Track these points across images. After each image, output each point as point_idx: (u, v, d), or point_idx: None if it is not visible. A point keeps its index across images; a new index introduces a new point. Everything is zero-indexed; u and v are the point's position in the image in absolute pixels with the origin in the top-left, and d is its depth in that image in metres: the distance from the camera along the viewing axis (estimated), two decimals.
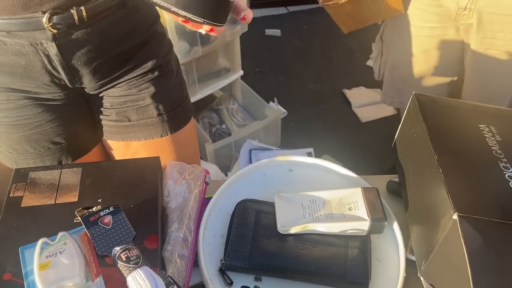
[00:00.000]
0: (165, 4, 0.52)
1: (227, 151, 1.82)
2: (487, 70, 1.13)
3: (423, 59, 1.25)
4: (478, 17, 1.06)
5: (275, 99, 1.98)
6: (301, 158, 0.76)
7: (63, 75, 0.71)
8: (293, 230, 0.64)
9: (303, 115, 2.11)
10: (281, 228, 0.64)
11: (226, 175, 1.78)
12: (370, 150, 1.91)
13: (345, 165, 0.75)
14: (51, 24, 0.62)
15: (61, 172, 0.67)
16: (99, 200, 0.63)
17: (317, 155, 1.86)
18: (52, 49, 0.66)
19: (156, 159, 0.71)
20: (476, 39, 1.10)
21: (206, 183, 0.72)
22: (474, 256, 0.49)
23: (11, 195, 0.64)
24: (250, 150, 1.83)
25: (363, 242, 0.64)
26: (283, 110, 1.94)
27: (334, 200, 0.67)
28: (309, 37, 2.60)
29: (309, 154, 1.85)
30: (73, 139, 0.81)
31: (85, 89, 0.76)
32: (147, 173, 0.68)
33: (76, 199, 0.63)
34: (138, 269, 0.52)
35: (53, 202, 0.63)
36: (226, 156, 1.83)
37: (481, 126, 0.67)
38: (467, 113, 0.70)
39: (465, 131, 0.66)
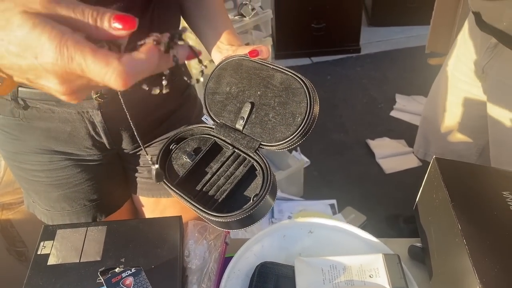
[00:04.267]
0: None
1: None
2: (501, 138, 1.08)
3: (454, 112, 1.23)
4: (491, 83, 1.04)
5: (298, 148, 1.99)
6: (321, 220, 0.76)
7: (104, 139, 0.75)
8: None
9: (326, 165, 2.10)
10: None
11: None
12: (394, 202, 1.88)
13: (368, 218, 0.74)
14: (98, 94, 0.67)
15: (87, 230, 0.69)
16: (122, 260, 0.65)
17: (340, 207, 1.84)
18: (97, 117, 0.70)
19: (178, 219, 0.72)
20: (488, 107, 1.07)
21: (226, 243, 0.73)
22: None
23: (38, 252, 0.66)
24: None
25: None
26: (306, 159, 1.95)
27: (355, 266, 0.66)
28: (332, 88, 2.64)
29: (332, 206, 1.83)
30: (107, 196, 0.84)
31: (124, 150, 0.80)
32: (169, 233, 0.70)
33: (99, 258, 0.65)
34: None
35: (78, 261, 0.65)
36: None
37: (504, 193, 0.66)
38: (489, 179, 0.70)
39: (488, 198, 0.65)
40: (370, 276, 0.65)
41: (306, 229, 0.76)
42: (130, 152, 0.81)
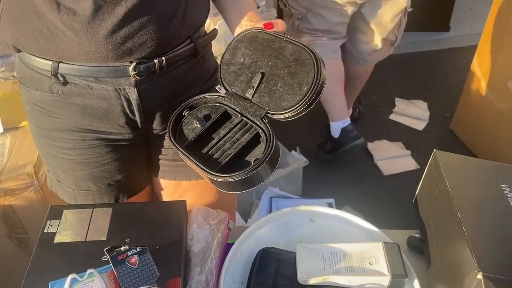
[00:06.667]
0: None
1: (248, 197, 1.83)
2: None
3: None
4: None
5: (297, 148, 2.00)
6: (322, 209, 0.77)
7: (137, 118, 0.77)
8: (313, 281, 0.65)
9: (325, 166, 2.12)
10: (301, 278, 0.65)
11: (246, 221, 1.78)
12: (392, 203, 1.90)
13: (366, 218, 0.76)
14: (136, 72, 0.69)
15: (92, 211, 0.71)
16: (127, 240, 0.66)
17: (338, 206, 1.85)
18: (133, 94, 0.72)
19: (183, 203, 0.74)
20: None
21: (229, 229, 0.74)
22: None
23: (45, 231, 0.67)
24: (271, 198, 1.84)
25: None
26: (305, 159, 1.96)
27: (355, 254, 0.67)
28: None
29: (330, 205, 1.84)
30: (131, 177, 0.86)
31: (154, 131, 0.82)
32: (174, 216, 0.71)
33: (105, 238, 0.66)
34: None
35: (84, 240, 0.66)
36: (246, 202, 1.84)
37: (502, 186, 0.67)
38: (488, 172, 0.71)
39: (486, 190, 0.67)
40: (370, 263, 0.66)
41: (308, 217, 0.77)
42: (160, 133, 0.83)
